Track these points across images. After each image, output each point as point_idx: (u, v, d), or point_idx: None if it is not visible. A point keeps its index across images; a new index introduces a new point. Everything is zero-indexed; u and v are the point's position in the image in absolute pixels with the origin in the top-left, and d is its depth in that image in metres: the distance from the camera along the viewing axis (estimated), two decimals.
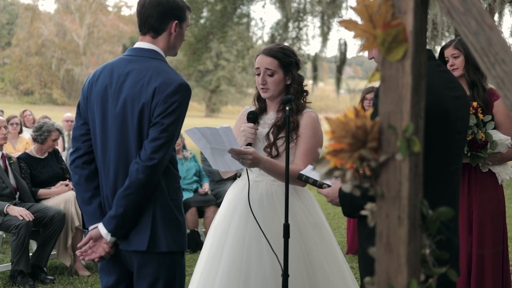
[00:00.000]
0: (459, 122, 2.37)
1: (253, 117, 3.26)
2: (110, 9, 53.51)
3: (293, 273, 2.99)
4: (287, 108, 2.94)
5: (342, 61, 20.21)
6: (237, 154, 2.98)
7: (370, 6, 1.58)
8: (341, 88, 21.64)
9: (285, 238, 2.88)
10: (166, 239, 2.75)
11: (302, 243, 3.14)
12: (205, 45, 18.56)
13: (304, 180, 2.84)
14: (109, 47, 51.63)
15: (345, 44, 20.37)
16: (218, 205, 7.23)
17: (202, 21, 18.76)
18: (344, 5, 19.37)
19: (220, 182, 7.34)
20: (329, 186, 2.70)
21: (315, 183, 2.79)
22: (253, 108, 3.42)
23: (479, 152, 3.72)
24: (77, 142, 2.87)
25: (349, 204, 2.46)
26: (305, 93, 3.32)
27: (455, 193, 2.44)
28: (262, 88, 3.28)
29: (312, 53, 20.08)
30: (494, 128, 3.81)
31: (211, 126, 2.98)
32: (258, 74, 3.29)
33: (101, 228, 2.76)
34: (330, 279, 3.15)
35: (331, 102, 50.33)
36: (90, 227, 2.81)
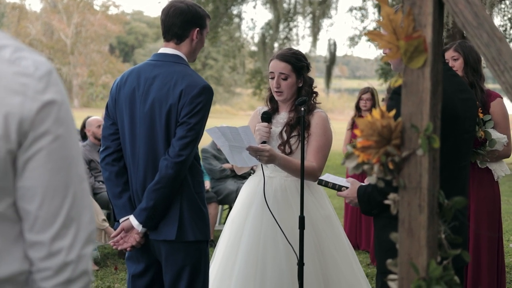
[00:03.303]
0: (467, 122, 2.60)
1: (267, 117, 3.50)
2: (97, 8, 53.45)
3: (306, 262, 3.21)
4: (302, 109, 3.17)
5: (331, 61, 20.47)
6: (255, 152, 3.20)
7: (394, 20, 1.80)
8: (329, 87, 21.87)
9: (300, 229, 3.11)
10: (193, 229, 2.98)
11: (314, 234, 3.37)
12: None
13: (323, 185, 3.08)
14: (96, 46, 51.56)
15: (335, 44, 20.58)
16: (218, 202, 7.46)
17: None
18: (334, 5, 19.64)
19: (220, 180, 7.55)
20: (347, 188, 2.92)
21: (334, 186, 3.01)
22: (265, 109, 3.65)
23: (478, 149, 3.95)
24: (106, 141, 3.08)
25: (367, 202, 2.68)
26: (315, 94, 3.56)
27: (464, 187, 2.67)
28: (276, 91, 3.50)
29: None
30: (492, 127, 4.05)
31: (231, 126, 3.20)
32: (272, 78, 3.51)
33: (132, 220, 2.98)
34: (340, 267, 3.39)
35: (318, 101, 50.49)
36: (121, 219, 3.03)
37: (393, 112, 1.83)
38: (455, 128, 2.52)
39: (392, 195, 1.88)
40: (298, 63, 3.47)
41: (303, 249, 3.10)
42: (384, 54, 2.83)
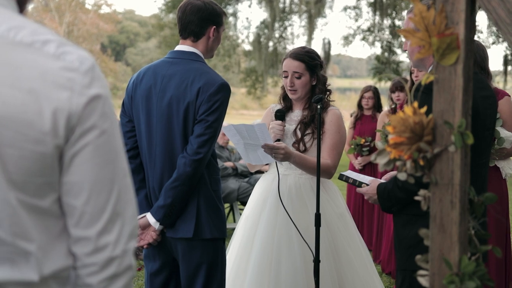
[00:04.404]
0: (487, 119, 2.62)
1: (281, 115, 3.51)
2: (89, 7, 53.25)
3: (321, 259, 3.22)
4: (318, 106, 3.19)
5: (326, 60, 20.50)
6: (270, 149, 3.21)
7: (426, 18, 1.81)
8: None
9: (316, 226, 3.12)
10: (210, 226, 2.99)
11: (329, 232, 3.39)
12: None
13: (344, 180, 3.11)
14: (88, 45, 51.35)
15: (329, 43, 20.62)
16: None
17: None
18: (328, 4, 19.68)
19: (222, 179, 7.55)
20: (367, 185, 2.94)
21: (354, 183, 3.04)
22: (279, 107, 3.66)
23: None
24: (123, 138, 3.07)
25: (387, 198, 2.69)
26: (328, 92, 3.57)
27: (483, 184, 2.68)
28: (290, 90, 3.51)
29: None
30: (500, 126, 4.08)
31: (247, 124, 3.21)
32: (286, 77, 3.52)
33: (149, 217, 2.97)
34: (354, 265, 3.41)
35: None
36: (138, 217, 3.02)
37: (424, 109, 1.84)
38: (476, 126, 2.54)
39: (422, 191, 1.89)
40: (311, 62, 3.49)
41: (319, 246, 3.11)
42: (405, 51, 2.84)
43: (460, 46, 1.78)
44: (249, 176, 7.70)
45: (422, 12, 1.81)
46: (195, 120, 2.93)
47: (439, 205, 1.83)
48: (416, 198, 1.91)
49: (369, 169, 6.78)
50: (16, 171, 1.26)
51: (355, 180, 3.04)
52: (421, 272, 1.92)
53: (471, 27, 1.82)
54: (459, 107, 1.80)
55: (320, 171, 3.21)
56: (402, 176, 1.90)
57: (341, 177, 3.14)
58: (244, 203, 7.79)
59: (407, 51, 2.81)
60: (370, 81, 22.83)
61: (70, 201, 1.33)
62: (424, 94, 2.26)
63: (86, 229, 1.34)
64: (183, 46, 3.08)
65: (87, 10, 52.26)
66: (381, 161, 1.89)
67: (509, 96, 4.21)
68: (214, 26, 3.07)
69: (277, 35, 19.90)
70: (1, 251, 1.28)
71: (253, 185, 7.51)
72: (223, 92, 2.94)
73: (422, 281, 1.92)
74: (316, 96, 3.28)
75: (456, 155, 1.79)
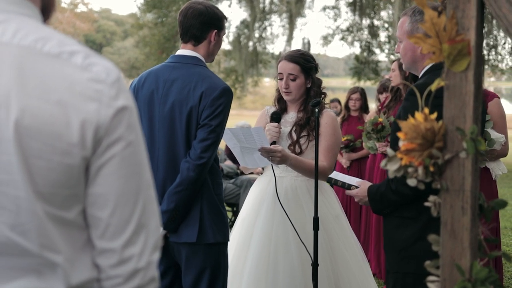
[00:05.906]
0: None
1: (277, 117, 3.51)
2: (66, 6, 52.74)
3: (318, 261, 3.22)
4: (316, 110, 3.18)
5: None
6: (267, 152, 3.20)
7: (437, 24, 1.81)
8: None
9: (314, 230, 3.11)
10: (213, 231, 2.98)
11: (325, 233, 3.39)
12: (173, 44, 18.70)
13: (333, 183, 3.10)
14: None
15: (309, 43, 20.72)
16: None
17: (170, 19, 18.89)
18: (307, 4, 19.74)
19: None
20: (356, 187, 2.94)
21: (343, 185, 3.03)
22: (273, 109, 3.65)
23: None
24: None
25: (379, 201, 2.68)
26: (323, 95, 3.57)
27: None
28: (285, 92, 3.51)
29: (276, 52, 20.40)
30: (491, 127, 4.12)
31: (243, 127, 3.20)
32: (281, 79, 3.52)
33: None
34: (350, 266, 3.43)
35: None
36: None
37: (434, 115, 1.84)
38: None
39: (432, 197, 1.90)
40: (306, 64, 3.49)
41: (317, 250, 3.11)
42: (397, 53, 2.85)
43: (471, 52, 1.79)
44: (234, 177, 7.68)
45: (433, 19, 1.81)
46: (198, 124, 2.92)
47: (450, 211, 1.83)
48: (426, 204, 1.91)
49: (356, 168, 6.81)
50: (44, 183, 1.25)
51: (343, 183, 3.03)
52: (431, 278, 1.92)
53: (480, 33, 1.83)
54: (470, 113, 1.80)
55: (318, 175, 3.20)
56: (412, 182, 1.90)
57: (329, 180, 3.14)
58: (230, 205, 7.76)
59: (399, 53, 2.80)
60: (348, 81, 22.95)
61: (95, 213, 1.32)
62: (435, 100, 2.26)
63: (111, 241, 1.33)
64: (184, 51, 3.06)
65: (63, 9, 51.72)
66: (391, 167, 1.88)
67: (498, 97, 4.25)
68: (216, 30, 3.06)
69: (257, 35, 19.92)
70: (29, 262, 1.27)
71: (239, 186, 7.50)
72: (226, 96, 2.93)
73: (432, 286, 1.92)
74: (314, 100, 3.29)
75: (467, 161, 1.79)
